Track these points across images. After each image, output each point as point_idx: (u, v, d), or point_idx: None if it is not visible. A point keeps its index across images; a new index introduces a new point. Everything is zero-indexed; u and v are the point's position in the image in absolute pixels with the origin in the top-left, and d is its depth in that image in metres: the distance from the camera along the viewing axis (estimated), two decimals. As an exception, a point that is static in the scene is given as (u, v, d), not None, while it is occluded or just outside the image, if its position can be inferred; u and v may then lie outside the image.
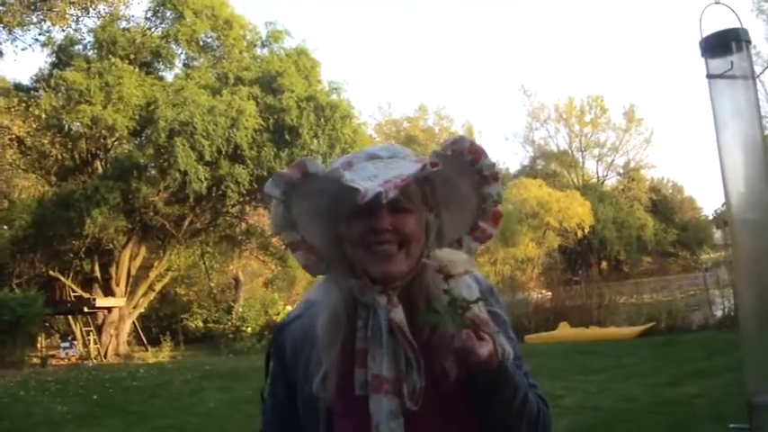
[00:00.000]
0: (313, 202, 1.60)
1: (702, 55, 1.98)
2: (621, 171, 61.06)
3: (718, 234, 59.10)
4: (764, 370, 1.88)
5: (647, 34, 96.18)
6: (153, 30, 25.80)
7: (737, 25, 1.93)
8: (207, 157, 22.01)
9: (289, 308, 28.29)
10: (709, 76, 1.94)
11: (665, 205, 59.30)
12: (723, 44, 1.93)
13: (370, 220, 1.54)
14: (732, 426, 1.98)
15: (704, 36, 1.97)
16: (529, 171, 56.80)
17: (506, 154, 59.93)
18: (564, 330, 18.23)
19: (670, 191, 63.88)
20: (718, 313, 19.27)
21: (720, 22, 2.09)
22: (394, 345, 1.53)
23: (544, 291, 25.70)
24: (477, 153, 1.57)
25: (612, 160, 61.06)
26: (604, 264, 42.84)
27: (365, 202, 1.45)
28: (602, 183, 60.35)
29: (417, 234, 1.59)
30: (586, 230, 47.04)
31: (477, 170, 1.59)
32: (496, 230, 1.66)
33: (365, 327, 1.56)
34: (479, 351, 1.39)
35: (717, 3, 1.95)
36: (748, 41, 1.95)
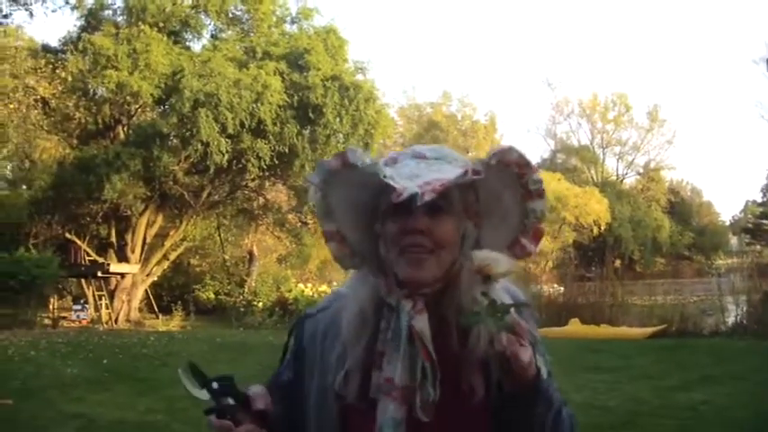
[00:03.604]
0: (352, 193, 1.56)
1: None
2: (641, 170, 60.83)
3: (734, 240, 58.84)
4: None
5: (676, 35, 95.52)
6: (183, -1, 25.74)
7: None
8: (230, 130, 21.91)
9: (301, 286, 28.40)
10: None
11: (682, 208, 59.05)
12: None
13: (405, 220, 1.50)
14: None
15: None
16: (549, 165, 56.53)
17: (527, 146, 59.35)
18: (575, 327, 18.15)
19: (689, 194, 63.67)
20: (730, 320, 19.21)
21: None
22: (411, 352, 1.48)
23: (556, 285, 25.62)
24: (524, 167, 1.52)
25: (633, 159, 60.87)
26: (618, 262, 42.60)
27: (398, 201, 1.43)
28: (621, 181, 60.16)
29: (452, 240, 1.53)
30: (602, 228, 46.83)
31: (522, 184, 1.54)
32: (537, 249, 1.59)
33: (387, 329, 1.52)
34: (521, 356, 1.36)
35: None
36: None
